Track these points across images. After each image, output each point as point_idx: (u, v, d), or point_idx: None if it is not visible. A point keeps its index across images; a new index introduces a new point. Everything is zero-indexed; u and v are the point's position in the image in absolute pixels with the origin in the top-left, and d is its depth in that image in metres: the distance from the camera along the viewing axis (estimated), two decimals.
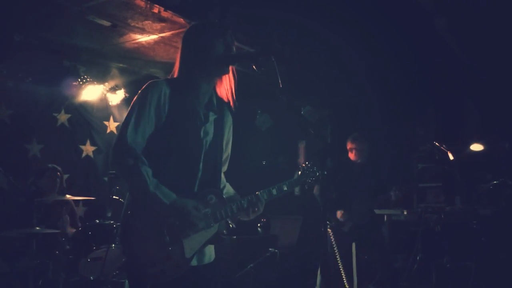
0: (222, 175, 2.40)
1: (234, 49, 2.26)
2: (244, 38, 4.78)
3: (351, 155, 5.04)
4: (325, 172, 2.48)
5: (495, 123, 6.21)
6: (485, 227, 4.89)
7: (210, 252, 2.26)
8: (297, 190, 7.37)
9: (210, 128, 2.26)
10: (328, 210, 4.85)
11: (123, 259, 4.07)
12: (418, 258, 4.78)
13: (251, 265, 5.05)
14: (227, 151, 2.42)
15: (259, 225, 6.52)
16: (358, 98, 6.84)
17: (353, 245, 5.54)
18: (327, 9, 4.68)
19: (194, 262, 2.15)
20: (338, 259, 4.81)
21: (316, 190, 4.94)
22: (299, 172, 2.49)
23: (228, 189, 2.43)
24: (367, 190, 4.91)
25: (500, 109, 6.15)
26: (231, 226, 2.35)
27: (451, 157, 4.99)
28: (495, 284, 4.78)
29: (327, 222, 4.86)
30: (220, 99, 2.33)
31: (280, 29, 5.14)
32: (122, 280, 4.28)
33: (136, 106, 2.11)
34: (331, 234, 4.87)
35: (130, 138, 2.05)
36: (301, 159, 7.55)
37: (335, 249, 4.82)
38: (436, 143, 5.01)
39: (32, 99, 5.69)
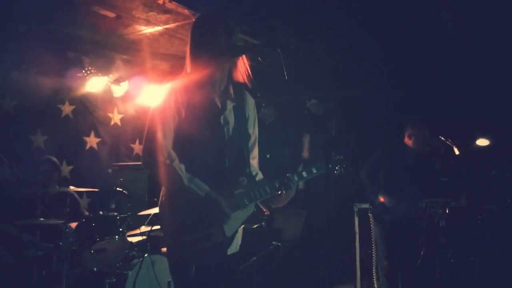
0: (255, 163, 2.44)
1: (238, 31, 2.27)
2: (249, 30, 4.75)
3: (409, 142, 4.65)
4: (351, 168, 2.45)
5: (501, 118, 6.17)
6: (490, 223, 4.86)
7: (238, 241, 2.33)
8: (301, 184, 7.35)
9: (230, 115, 2.30)
10: (375, 194, 4.60)
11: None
12: (422, 253, 4.75)
13: (254, 258, 5.05)
14: (255, 134, 2.44)
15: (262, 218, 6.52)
16: (363, 92, 6.80)
17: (357, 238, 5.53)
18: (333, 2, 4.64)
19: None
20: (373, 244, 4.68)
21: (363, 172, 4.69)
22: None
23: (260, 177, 2.44)
24: (419, 182, 4.57)
25: (507, 104, 6.10)
26: (266, 213, 2.37)
27: (456, 152, 4.94)
28: (499, 280, 4.76)
29: (371, 206, 4.71)
30: (237, 85, 2.35)
31: (285, 21, 5.10)
32: (126, 272, 4.29)
33: (158, 111, 2.20)
34: (371, 219, 4.74)
35: (159, 139, 2.15)
36: (305, 153, 7.52)
37: (372, 233, 4.68)
38: (442, 138, 4.96)
39: (36, 90, 5.68)
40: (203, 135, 2.21)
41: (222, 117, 2.27)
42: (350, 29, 5.08)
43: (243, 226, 2.32)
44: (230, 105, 2.30)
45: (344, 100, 7.24)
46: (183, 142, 2.20)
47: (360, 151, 5.72)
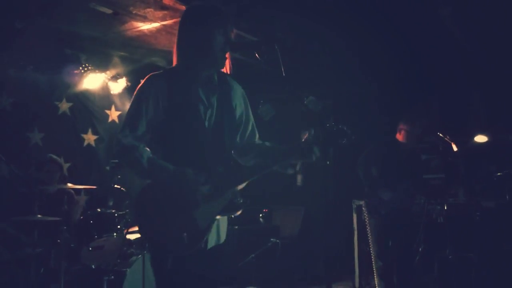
0: (256, 139, 2.42)
1: (233, 36, 2.21)
2: (246, 26, 4.74)
3: (399, 136, 4.70)
4: (354, 137, 2.21)
5: (499, 114, 6.17)
6: (488, 219, 4.86)
7: (220, 234, 2.26)
8: (299, 180, 7.35)
9: (213, 107, 2.24)
10: (370, 187, 4.60)
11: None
12: (420, 249, 4.76)
13: (253, 255, 5.06)
14: (249, 119, 2.40)
15: (260, 215, 6.52)
16: (362, 89, 6.79)
17: (355, 235, 5.53)
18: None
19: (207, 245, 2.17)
20: (369, 234, 4.66)
21: (358, 166, 4.70)
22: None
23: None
24: (411, 176, 4.58)
25: (505, 100, 6.11)
26: (290, 172, 2.29)
27: (455, 148, 4.94)
28: (497, 276, 4.77)
29: (366, 199, 4.69)
30: (221, 74, 2.29)
31: (283, 17, 5.09)
32: (124, 269, 4.28)
33: (133, 103, 2.17)
34: (365, 213, 4.73)
35: (124, 133, 2.13)
36: None
37: (366, 225, 4.67)
38: (440, 134, 4.95)
39: (33, 88, 5.66)
40: (184, 126, 2.15)
41: (209, 112, 2.21)
42: (349, 26, 5.06)
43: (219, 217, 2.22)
44: (214, 94, 2.24)
45: (343, 97, 7.23)
46: (163, 134, 2.16)
47: (359, 149, 5.71)
